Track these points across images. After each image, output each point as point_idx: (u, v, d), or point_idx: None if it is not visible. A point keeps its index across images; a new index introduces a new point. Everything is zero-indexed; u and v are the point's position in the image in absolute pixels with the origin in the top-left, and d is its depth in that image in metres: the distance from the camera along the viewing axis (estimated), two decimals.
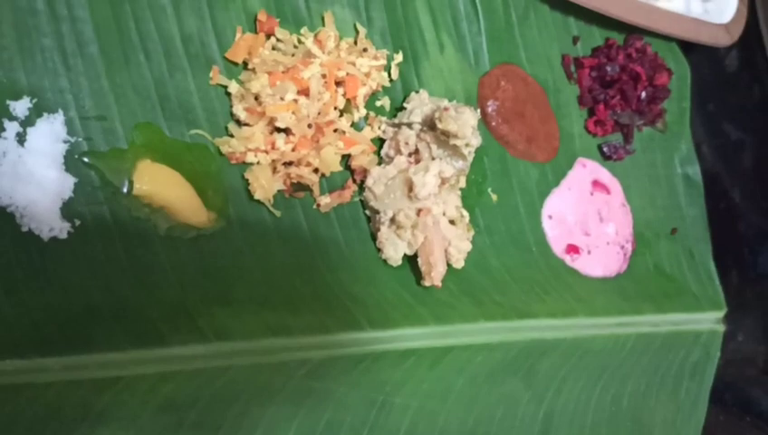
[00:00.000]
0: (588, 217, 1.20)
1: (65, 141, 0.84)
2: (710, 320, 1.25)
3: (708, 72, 1.33)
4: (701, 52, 1.31)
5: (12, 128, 0.81)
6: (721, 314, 1.27)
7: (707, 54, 1.31)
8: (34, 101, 0.83)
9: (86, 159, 0.86)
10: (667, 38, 1.28)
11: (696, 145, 1.32)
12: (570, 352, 1.10)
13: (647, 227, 1.26)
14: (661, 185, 1.29)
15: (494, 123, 1.14)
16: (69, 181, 0.83)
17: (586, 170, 1.21)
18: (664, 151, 1.30)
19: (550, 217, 1.17)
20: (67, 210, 0.83)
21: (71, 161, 0.84)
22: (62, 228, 0.82)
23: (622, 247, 1.22)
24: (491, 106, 1.14)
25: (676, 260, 1.28)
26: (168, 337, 0.85)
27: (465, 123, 0.98)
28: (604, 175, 1.23)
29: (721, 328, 1.25)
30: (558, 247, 1.17)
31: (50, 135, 0.83)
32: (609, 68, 1.21)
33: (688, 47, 1.31)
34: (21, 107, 0.82)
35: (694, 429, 1.17)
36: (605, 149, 1.23)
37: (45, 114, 0.84)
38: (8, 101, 0.82)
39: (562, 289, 1.14)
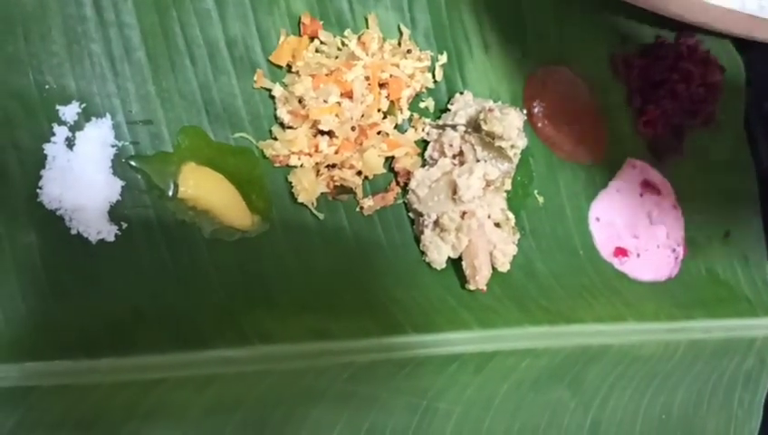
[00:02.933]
0: (637, 219, 1.17)
1: (113, 145, 0.86)
2: (765, 326, 1.20)
3: (764, 70, 1.29)
4: (756, 49, 1.26)
5: (61, 132, 0.83)
6: None
7: (763, 52, 1.27)
8: (83, 105, 0.85)
9: (133, 163, 0.87)
10: (720, 35, 1.23)
11: (750, 145, 1.27)
12: (618, 358, 1.07)
13: (699, 230, 1.22)
14: (714, 186, 1.25)
15: (540, 124, 1.12)
16: (116, 185, 0.85)
17: (635, 171, 1.18)
18: (717, 152, 1.26)
19: (597, 219, 1.14)
20: (114, 213, 0.85)
21: (118, 165, 0.86)
22: (109, 231, 0.84)
23: (673, 251, 1.19)
24: (537, 107, 1.12)
25: (730, 264, 1.23)
26: (212, 340, 0.86)
27: (510, 125, 0.96)
28: (654, 176, 1.20)
29: None
30: (606, 251, 1.14)
31: (98, 139, 0.84)
32: (659, 67, 1.18)
33: (743, 45, 1.26)
34: (70, 112, 0.84)
35: None
36: (655, 150, 1.20)
37: (94, 119, 0.85)
38: (58, 106, 0.84)
39: (610, 294, 1.11)
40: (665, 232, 1.19)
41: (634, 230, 1.16)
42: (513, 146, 0.98)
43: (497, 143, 0.97)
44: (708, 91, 1.20)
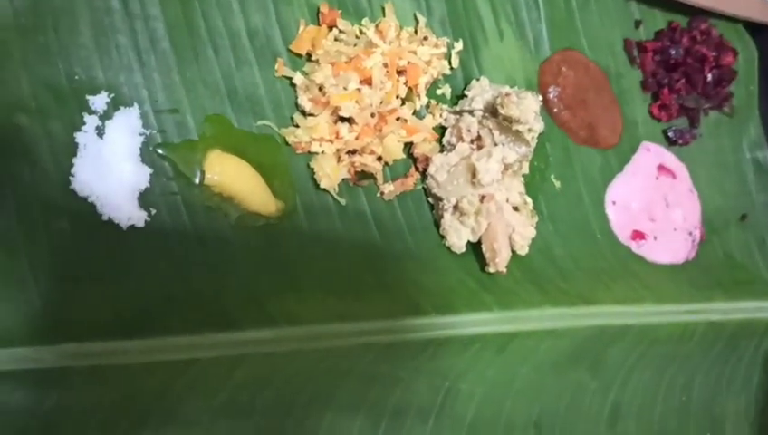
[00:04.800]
0: (653, 202, 1.18)
1: (141, 134, 0.88)
2: None
3: None
4: None
5: (91, 121, 0.85)
6: None
7: None
8: (111, 95, 0.87)
9: (160, 151, 0.89)
10: (732, 20, 1.25)
11: (765, 129, 1.28)
12: (637, 340, 1.08)
13: (715, 213, 1.23)
14: (729, 170, 1.26)
15: (555, 110, 1.13)
16: (145, 172, 0.87)
17: (651, 154, 1.19)
18: (732, 136, 1.27)
19: (614, 203, 1.15)
20: (144, 200, 0.87)
21: (146, 153, 0.88)
22: (139, 217, 0.86)
23: (690, 234, 1.20)
24: (552, 92, 1.13)
25: (747, 247, 1.24)
26: (241, 322, 0.88)
27: (527, 108, 0.98)
28: (670, 159, 1.21)
29: None
30: (623, 234, 1.15)
31: (126, 128, 0.87)
32: (673, 51, 1.19)
33: (756, 29, 1.27)
34: (99, 101, 0.86)
35: None
36: (670, 134, 1.21)
37: (122, 108, 0.88)
38: (87, 96, 0.86)
39: (629, 276, 1.12)
40: (681, 215, 1.20)
41: (650, 213, 1.17)
42: (530, 129, 1.00)
43: (515, 127, 0.99)
44: (722, 74, 1.21)
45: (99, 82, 0.87)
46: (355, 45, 0.98)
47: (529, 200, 1.04)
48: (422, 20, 1.04)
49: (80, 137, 0.85)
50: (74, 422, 0.79)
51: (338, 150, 0.96)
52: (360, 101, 0.95)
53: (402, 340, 0.95)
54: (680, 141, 1.21)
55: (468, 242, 1.01)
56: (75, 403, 0.80)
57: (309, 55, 0.98)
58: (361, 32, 1.00)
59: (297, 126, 0.96)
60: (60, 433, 0.78)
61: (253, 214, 0.92)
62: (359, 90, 0.95)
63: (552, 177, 1.12)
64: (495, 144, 1.00)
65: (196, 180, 0.89)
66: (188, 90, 0.91)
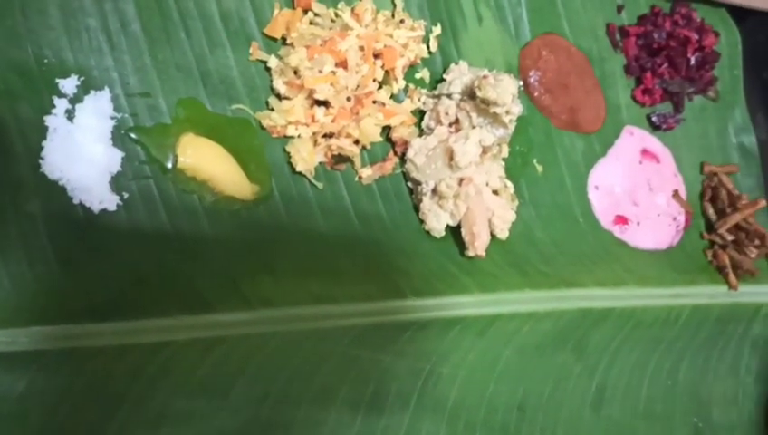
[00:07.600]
0: (637, 186, 1.17)
1: (112, 117, 0.87)
2: None
3: (763, 39, 1.28)
4: (755, 18, 1.26)
5: (61, 105, 0.85)
6: None
7: (762, 21, 1.27)
8: (82, 78, 0.87)
9: (132, 135, 0.89)
10: (715, 4, 1.24)
11: (750, 114, 1.27)
12: (621, 322, 1.07)
13: (700, 198, 1.22)
14: (715, 155, 1.25)
15: (536, 94, 1.12)
16: (117, 156, 0.87)
17: (634, 138, 1.18)
18: (717, 121, 1.26)
19: (596, 187, 1.15)
20: (116, 183, 0.86)
21: (118, 137, 0.88)
22: (111, 201, 0.85)
23: (674, 219, 1.19)
24: (533, 76, 1.12)
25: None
26: (215, 304, 0.88)
27: (504, 90, 0.97)
28: (653, 144, 1.20)
29: None
30: (605, 219, 1.14)
31: (97, 111, 0.86)
32: (656, 35, 1.18)
33: (739, 14, 1.26)
34: (69, 85, 0.86)
35: (756, 406, 1.12)
36: (654, 119, 1.20)
37: (92, 91, 0.87)
38: (57, 79, 0.86)
39: (611, 260, 1.11)
40: (665, 200, 1.19)
41: (634, 198, 1.17)
42: (508, 112, 0.99)
43: (492, 109, 0.98)
44: (705, 57, 1.20)
45: (69, 65, 0.86)
46: (330, 29, 0.98)
47: (509, 184, 1.04)
48: (399, 3, 1.03)
49: (50, 120, 0.84)
50: (47, 405, 0.79)
51: (314, 134, 0.96)
52: (335, 84, 0.94)
53: (381, 323, 0.94)
54: (664, 126, 1.21)
55: (448, 226, 1.00)
56: (48, 386, 0.79)
57: (283, 39, 0.97)
58: (337, 15, 0.99)
59: (272, 110, 0.95)
60: (32, 416, 0.78)
61: (228, 198, 0.91)
62: (334, 72, 0.94)
63: (535, 161, 1.11)
64: (473, 127, 0.99)
65: (169, 164, 0.89)
66: (160, 73, 0.91)
